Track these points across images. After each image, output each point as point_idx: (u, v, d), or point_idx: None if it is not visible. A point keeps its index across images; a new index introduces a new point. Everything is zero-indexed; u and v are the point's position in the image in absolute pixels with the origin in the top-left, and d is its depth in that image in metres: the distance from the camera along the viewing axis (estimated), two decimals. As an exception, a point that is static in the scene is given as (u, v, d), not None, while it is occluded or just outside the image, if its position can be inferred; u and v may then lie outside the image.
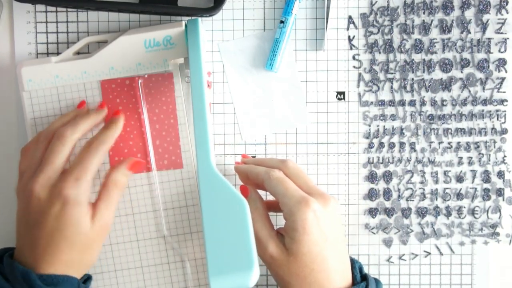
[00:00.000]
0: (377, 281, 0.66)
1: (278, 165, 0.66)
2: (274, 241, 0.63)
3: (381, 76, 0.73)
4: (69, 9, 0.72)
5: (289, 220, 0.62)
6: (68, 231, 0.63)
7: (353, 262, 0.66)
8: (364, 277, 0.65)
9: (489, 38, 0.72)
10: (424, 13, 0.72)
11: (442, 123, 0.73)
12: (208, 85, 0.72)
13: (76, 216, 0.63)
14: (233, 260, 0.58)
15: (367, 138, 0.73)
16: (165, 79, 0.70)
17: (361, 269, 0.66)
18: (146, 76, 0.70)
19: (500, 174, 0.73)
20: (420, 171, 0.73)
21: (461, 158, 0.73)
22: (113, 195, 0.66)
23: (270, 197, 0.68)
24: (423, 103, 0.73)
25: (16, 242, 0.66)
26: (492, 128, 0.73)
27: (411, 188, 0.73)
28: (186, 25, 0.69)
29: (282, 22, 0.71)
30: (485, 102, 0.73)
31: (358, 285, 0.63)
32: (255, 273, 0.58)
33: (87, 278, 0.68)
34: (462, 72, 0.72)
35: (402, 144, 0.73)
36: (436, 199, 0.73)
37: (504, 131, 0.73)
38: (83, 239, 0.64)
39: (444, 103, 0.73)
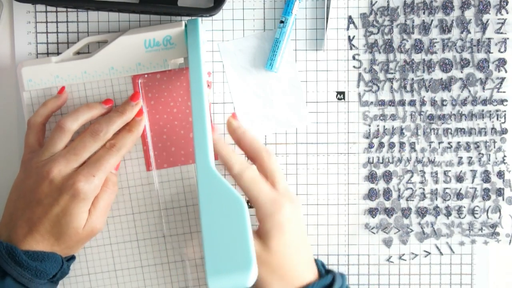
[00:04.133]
0: (342, 275, 0.68)
1: (263, 154, 0.67)
2: (257, 239, 0.64)
3: (381, 76, 0.73)
4: (69, 9, 0.72)
5: (265, 221, 0.64)
6: (66, 220, 0.64)
7: (315, 260, 0.68)
8: (329, 271, 0.67)
9: (489, 38, 0.72)
10: (424, 13, 0.72)
11: (442, 123, 0.73)
12: (208, 85, 0.72)
13: (78, 211, 0.64)
14: (232, 260, 0.58)
15: (367, 138, 0.73)
16: (166, 76, 0.70)
17: (323, 265, 0.69)
18: (146, 75, 0.70)
19: (500, 174, 0.73)
20: (420, 171, 0.73)
21: (461, 158, 0.73)
22: (101, 196, 0.67)
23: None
24: (423, 103, 0.73)
25: (4, 212, 0.66)
26: (492, 128, 0.73)
27: (411, 188, 0.73)
28: (186, 25, 0.69)
29: (282, 22, 0.71)
30: (485, 102, 0.73)
31: (325, 277, 0.66)
32: (253, 272, 0.58)
33: (70, 257, 0.69)
34: (462, 72, 0.72)
35: (402, 144, 0.73)
36: (436, 199, 0.73)
37: (504, 131, 0.73)
38: (73, 234, 0.65)
39: (444, 103, 0.73)
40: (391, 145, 0.73)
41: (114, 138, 0.67)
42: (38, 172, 0.65)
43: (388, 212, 0.73)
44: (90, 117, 0.68)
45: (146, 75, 0.70)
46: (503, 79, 0.72)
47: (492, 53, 0.72)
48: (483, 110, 0.73)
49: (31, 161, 0.66)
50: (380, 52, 0.72)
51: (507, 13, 0.72)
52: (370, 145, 0.73)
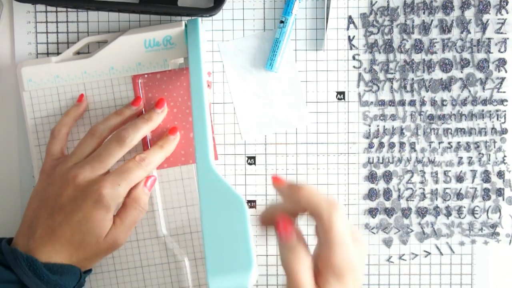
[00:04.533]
0: None
1: (329, 209, 0.56)
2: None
3: (381, 76, 0.73)
4: (69, 9, 0.72)
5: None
6: (87, 227, 0.63)
7: None
8: None
9: (489, 38, 0.72)
10: (424, 13, 0.72)
11: (442, 123, 0.73)
12: (208, 85, 0.72)
13: (100, 218, 0.63)
14: (232, 260, 0.58)
15: (367, 138, 0.73)
16: (166, 76, 0.70)
17: None
18: (146, 75, 0.70)
19: (500, 174, 0.73)
20: (420, 171, 0.73)
21: (461, 158, 0.73)
22: (131, 212, 0.66)
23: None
24: (423, 103, 0.73)
25: (23, 221, 0.65)
26: (492, 128, 0.73)
27: (411, 188, 0.73)
28: (186, 25, 0.69)
29: (282, 22, 0.71)
30: (485, 102, 0.73)
31: None
32: (254, 273, 0.58)
33: (87, 270, 0.68)
34: (462, 72, 0.72)
35: (402, 144, 0.73)
36: (436, 199, 0.73)
37: (504, 131, 0.73)
38: (94, 243, 0.64)
39: (444, 103, 0.73)
40: (391, 145, 0.73)
41: (145, 152, 0.67)
42: (63, 178, 0.64)
43: (388, 212, 0.73)
44: (120, 123, 0.68)
45: (146, 75, 0.70)
46: (503, 79, 0.72)
47: (492, 53, 0.72)
48: (483, 110, 0.73)
49: (56, 168, 0.66)
50: (380, 52, 0.72)
51: (507, 13, 0.72)
52: (370, 145, 0.73)
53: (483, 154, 0.73)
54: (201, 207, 0.59)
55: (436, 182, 0.73)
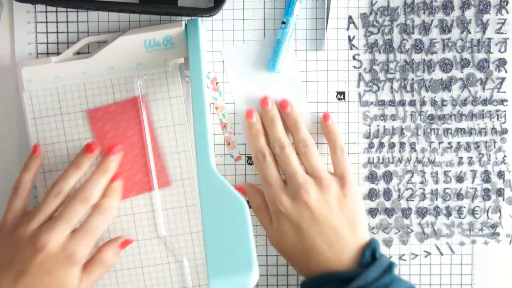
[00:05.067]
0: (390, 264, 0.66)
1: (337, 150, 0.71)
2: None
3: (381, 76, 0.73)
4: (69, 9, 0.72)
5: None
6: (57, 286, 0.64)
7: (369, 243, 0.67)
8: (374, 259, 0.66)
9: (489, 38, 0.72)
10: (424, 13, 0.72)
11: (442, 123, 0.73)
12: (215, 89, 0.72)
13: (71, 275, 0.64)
14: (233, 261, 0.58)
15: (367, 138, 0.73)
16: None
17: (374, 251, 0.66)
18: (99, 109, 0.70)
19: (500, 174, 0.73)
20: (420, 171, 0.73)
21: (461, 158, 0.73)
22: (97, 272, 0.67)
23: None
24: (423, 103, 0.73)
25: None
26: (492, 128, 0.73)
27: (411, 188, 0.73)
28: (186, 25, 0.69)
29: (283, 23, 0.71)
30: (485, 102, 0.73)
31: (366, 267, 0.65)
32: (254, 274, 0.58)
33: None
34: (462, 72, 0.72)
35: (402, 144, 0.73)
36: (436, 199, 0.73)
37: (504, 131, 0.73)
38: None
39: (444, 103, 0.73)
40: (391, 145, 0.73)
41: (104, 199, 0.67)
42: (31, 243, 0.63)
43: (388, 212, 0.73)
44: (79, 177, 0.68)
45: (99, 109, 0.69)
46: (503, 79, 0.72)
47: (492, 53, 0.72)
48: (483, 110, 0.73)
49: (17, 229, 0.65)
50: (380, 52, 0.72)
51: (507, 13, 0.72)
52: (370, 145, 0.73)
53: (483, 154, 0.73)
54: (202, 208, 0.59)
55: (436, 182, 0.73)
